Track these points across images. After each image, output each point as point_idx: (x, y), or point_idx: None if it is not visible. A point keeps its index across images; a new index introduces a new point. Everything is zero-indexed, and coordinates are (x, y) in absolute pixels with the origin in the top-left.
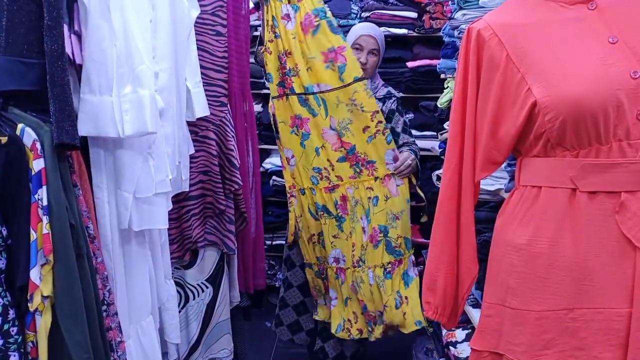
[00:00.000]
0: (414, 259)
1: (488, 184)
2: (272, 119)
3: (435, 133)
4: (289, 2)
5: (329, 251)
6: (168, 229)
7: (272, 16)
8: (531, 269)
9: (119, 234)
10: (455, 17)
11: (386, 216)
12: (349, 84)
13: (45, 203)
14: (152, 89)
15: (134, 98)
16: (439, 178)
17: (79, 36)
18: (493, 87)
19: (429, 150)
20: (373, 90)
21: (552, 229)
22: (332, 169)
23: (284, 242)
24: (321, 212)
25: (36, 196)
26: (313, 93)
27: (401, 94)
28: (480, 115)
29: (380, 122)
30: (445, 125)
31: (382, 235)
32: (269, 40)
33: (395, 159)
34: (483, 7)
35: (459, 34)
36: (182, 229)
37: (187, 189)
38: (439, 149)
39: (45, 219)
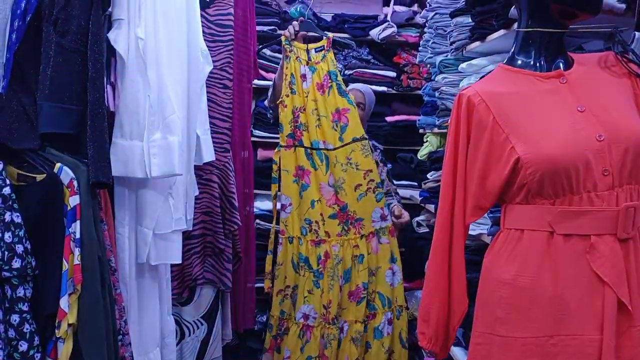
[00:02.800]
0: (390, 317)
1: (470, 229)
2: (276, 165)
3: (412, 182)
4: (307, 64)
5: (299, 306)
6: (171, 266)
7: (292, 73)
8: (517, 301)
9: (135, 267)
10: (436, 79)
11: (367, 273)
12: (347, 144)
13: (78, 236)
14: (179, 136)
15: (164, 144)
16: (419, 224)
17: (113, 86)
18: (482, 145)
19: (407, 198)
20: None
21: (534, 266)
22: (323, 224)
23: None
24: (302, 264)
25: (70, 229)
26: (318, 149)
27: (381, 146)
28: (470, 168)
29: (372, 180)
30: (428, 176)
31: (365, 292)
32: (285, 95)
33: (383, 217)
34: (462, 72)
35: (439, 94)
36: (183, 266)
37: (191, 228)
38: (420, 197)
39: (77, 251)
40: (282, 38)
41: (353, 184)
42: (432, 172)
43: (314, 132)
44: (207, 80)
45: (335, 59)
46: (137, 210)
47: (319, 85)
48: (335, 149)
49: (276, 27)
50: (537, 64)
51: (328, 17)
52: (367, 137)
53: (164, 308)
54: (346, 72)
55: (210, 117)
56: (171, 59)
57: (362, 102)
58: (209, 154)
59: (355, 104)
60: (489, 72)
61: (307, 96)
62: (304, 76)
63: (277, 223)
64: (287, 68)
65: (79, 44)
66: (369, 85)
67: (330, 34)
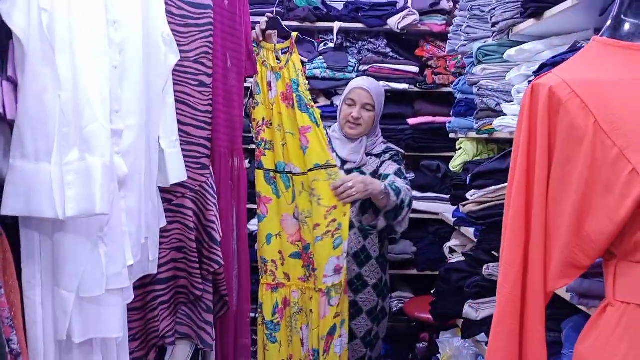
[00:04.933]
0: None
1: None
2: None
3: (439, 195)
4: (272, 70)
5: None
6: (129, 321)
7: (257, 82)
8: None
9: (55, 346)
10: (473, 71)
11: (318, 339)
12: (310, 170)
13: None
14: (105, 156)
15: (81, 167)
16: (451, 251)
17: (15, 84)
18: (576, 166)
19: (431, 213)
20: (370, 147)
21: None
22: (282, 264)
23: None
24: (259, 310)
25: None
26: (283, 172)
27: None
28: (555, 203)
29: (334, 220)
30: (468, 195)
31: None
32: (252, 107)
33: (337, 270)
34: (508, 61)
35: (478, 90)
36: (146, 320)
37: (155, 271)
38: (453, 217)
39: None
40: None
41: (313, 223)
42: (473, 191)
43: (279, 151)
44: (175, 75)
45: (348, 52)
46: (53, 265)
47: (283, 95)
48: (300, 174)
49: (279, 18)
50: None
51: (339, 6)
52: (334, 164)
53: None
54: (360, 67)
55: (181, 123)
56: (94, 40)
57: (370, 103)
58: (178, 173)
59: (361, 105)
60: (571, 50)
61: (272, 108)
62: (269, 84)
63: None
64: (255, 75)
65: None
66: (387, 82)
67: (295, 33)
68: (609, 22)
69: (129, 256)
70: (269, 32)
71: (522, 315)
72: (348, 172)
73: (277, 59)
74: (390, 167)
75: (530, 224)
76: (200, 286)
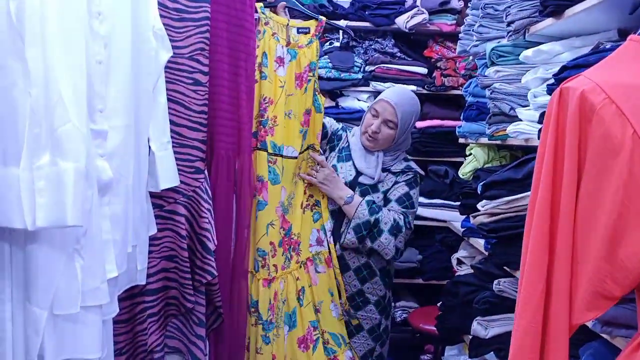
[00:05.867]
0: (351, 356)
1: None
2: None
3: (446, 201)
4: (288, 45)
5: None
6: (115, 334)
7: (264, 52)
8: None
9: None
10: (485, 73)
11: (313, 309)
12: (303, 151)
13: None
14: (80, 161)
15: (52, 173)
16: (459, 262)
17: None
18: (610, 182)
19: (438, 220)
20: (388, 162)
21: None
22: (273, 255)
23: None
24: (252, 309)
25: None
26: (282, 156)
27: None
28: (584, 224)
29: (311, 196)
30: (479, 206)
31: (316, 332)
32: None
33: (319, 241)
34: (523, 63)
35: (491, 93)
36: (134, 333)
37: (144, 282)
38: (462, 227)
39: None
40: (259, 4)
41: (300, 200)
42: (485, 201)
43: (280, 134)
44: (168, 73)
45: (354, 51)
46: (25, 279)
47: (297, 75)
48: (296, 157)
49: None
50: None
51: (345, 3)
52: (317, 148)
53: None
54: (367, 68)
55: (174, 124)
56: (70, 32)
57: (392, 120)
58: (169, 177)
59: (383, 120)
60: (594, 52)
61: (282, 86)
62: (280, 60)
63: None
64: (259, 47)
65: None
66: (394, 84)
67: (323, 18)
68: None
69: (111, 267)
70: (281, 3)
71: (542, 350)
72: (362, 185)
73: (288, 34)
74: (397, 191)
75: (555, 247)
76: (192, 298)
